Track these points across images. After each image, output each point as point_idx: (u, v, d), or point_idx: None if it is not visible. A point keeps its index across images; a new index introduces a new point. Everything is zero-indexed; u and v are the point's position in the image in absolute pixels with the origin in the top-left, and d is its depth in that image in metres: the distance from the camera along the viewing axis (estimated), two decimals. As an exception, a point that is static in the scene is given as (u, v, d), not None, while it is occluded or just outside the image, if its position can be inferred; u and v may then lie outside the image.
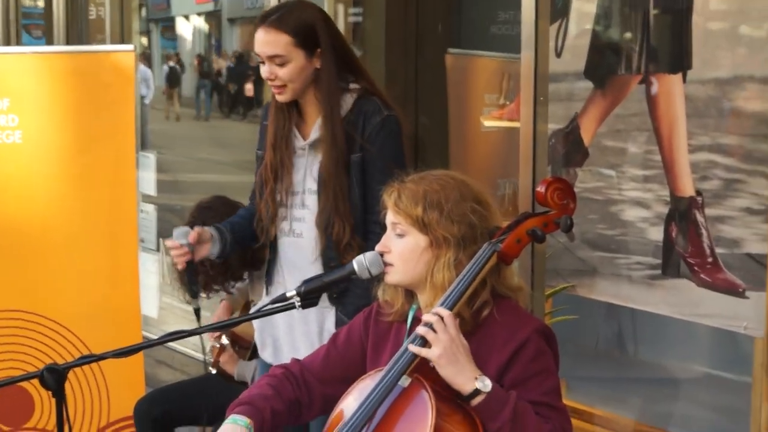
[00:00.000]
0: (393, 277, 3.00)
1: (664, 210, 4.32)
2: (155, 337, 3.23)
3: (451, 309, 2.83)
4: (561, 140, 4.70)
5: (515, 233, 2.95)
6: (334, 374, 3.12)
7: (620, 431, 4.82)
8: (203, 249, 3.86)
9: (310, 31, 3.76)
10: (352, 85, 3.85)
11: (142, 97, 9.78)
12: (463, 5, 7.00)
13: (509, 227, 2.96)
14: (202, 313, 3.94)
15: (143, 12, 9.61)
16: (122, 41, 7.94)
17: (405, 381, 2.81)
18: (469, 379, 2.75)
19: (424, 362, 2.79)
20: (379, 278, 3.06)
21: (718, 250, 4.14)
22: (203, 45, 12.33)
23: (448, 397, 2.78)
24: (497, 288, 2.96)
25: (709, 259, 4.17)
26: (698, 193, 4.19)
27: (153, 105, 9.70)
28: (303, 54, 3.76)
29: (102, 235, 5.34)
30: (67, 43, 8.24)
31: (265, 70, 3.79)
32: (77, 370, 5.19)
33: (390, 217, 3.01)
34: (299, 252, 3.91)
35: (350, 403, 2.95)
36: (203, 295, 4.88)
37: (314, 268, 3.84)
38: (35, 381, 3.03)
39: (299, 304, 3.06)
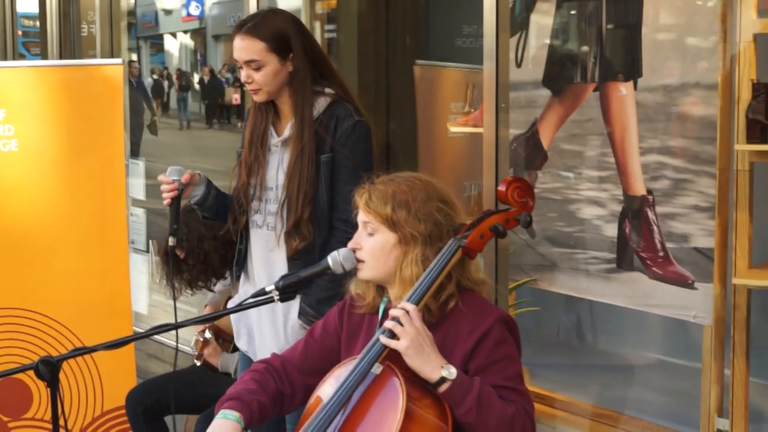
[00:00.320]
0: (365, 273, 3.01)
1: (618, 208, 4.33)
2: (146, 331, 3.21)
3: (418, 302, 2.83)
4: (522, 144, 4.70)
5: (479, 229, 2.95)
6: (314, 365, 3.11)
7: (579, 414, 4.81)
8: (190, 189, 3.83)
9: (282, 38, 3.78)
10: (327, 90, 3.86)
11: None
12: (430, 20, 6.99)
13: (473, 224, 2.96)
14: (186, 308, 3.91)
15: (133, 30, 9.57)
16: (112, 57, 7.90)
17: (377, 368, 2.82)
18: (436, 368, 2.75)
19: (395, 351, 2.79)
20: (351, 273, 3.06)
21: (669, 245, 4.16)
22: (189, 60, 12.30)
23: (418, 382, 2.78)
24: (462, 281, 2.96)
25: (661, 254, 4.18)
26: (649, 192, 4.20)
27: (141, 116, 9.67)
28: (276, 59, 3.78)
29: (94, 237, 5.32)
30: (61, 58, 8.21)
31: (243, 74, 3.83)
32: (72, 363, 5.20)
33: (361, 216, 3.02)
34: (267, 243, 3.90)
35: (326, 390, 2.95)
36: (188, 292, 4.88)
37: (281, 257, 3.84)
38: (32, 373, 3.01)
39: (278, 297, 3.06)
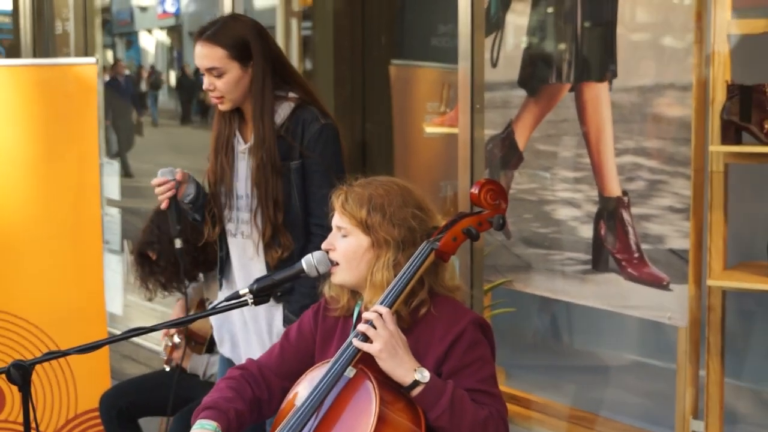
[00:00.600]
0: (338, 276, 3.01)
1: (594, 209, 4.35)
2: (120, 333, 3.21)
3: (391, 306, 2.83)
4: (498, 145, 4.71)
5: (452, 232, 2.95)
6: (291, 368, 3.11)
7: (556, 416, 4.83)
8: (184, 188, 3.81)
9: (243, 44, 3.75)
10: (291, 94, 3.84)
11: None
12: (406, 19, 7.01)
13: (446, 226, 2.96)
14: (163, 309, 3.91)
15: (108, 27, 9.55)
16: (86, 55, 7.88)
17: (350, 372, 2.82)
18: (409, 371, 2.76)
19: (368, 354, 2.79)
20: (325, 276, 3.06)
21: (644, 246, 4.18)
22: (165, 58, 12.28)
23: (391, 385, 2.78)
24: (436, 288, 2.96)
25: (636, 255, 4.20)
26: (624, 193, 4.22)
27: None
28: (238, 66, 3.75)
29: (68, 237, 5.30)
30: (34, 56, 8.18)
31: (205, 82, 3.80)
32: (46, 365, 5.18)
33: (336, 218, 3.02)
34: (245, 252, 3.90)
35: (301, 392, 2.95)
36: (164, 293, 4.87)
37: (260, 267, 3.84)
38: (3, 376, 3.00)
39: (251, 301, 3.05)
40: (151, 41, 11.72)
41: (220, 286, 4.07)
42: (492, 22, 4.71)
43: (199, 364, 4.78)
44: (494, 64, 4.70)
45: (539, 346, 6.22)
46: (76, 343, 3.11)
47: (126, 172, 9.02)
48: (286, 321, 3.79)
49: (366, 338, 2.79)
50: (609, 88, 4.24)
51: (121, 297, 6.97)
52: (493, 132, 4.73)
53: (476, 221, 3.02)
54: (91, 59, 5.62)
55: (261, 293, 3.07)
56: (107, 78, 9.33)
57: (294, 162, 3.78)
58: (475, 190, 3.04)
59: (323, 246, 3.04)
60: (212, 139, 3.93)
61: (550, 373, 5.80)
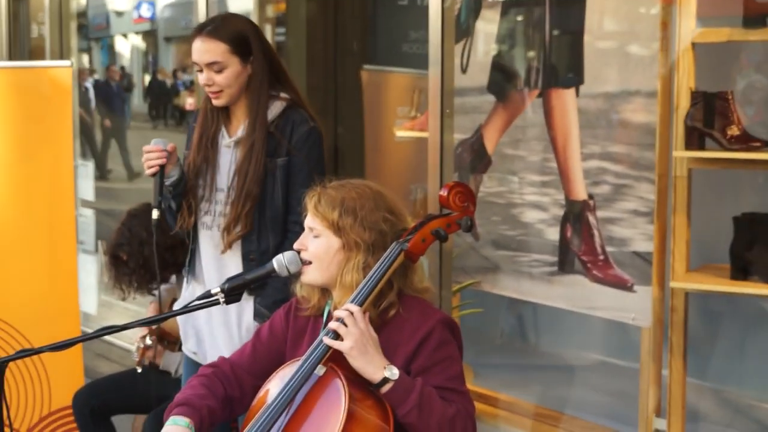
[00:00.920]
0: (308, 276, 3.01)
1: (560, 212, 4.36)
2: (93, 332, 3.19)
3: (362, 303, 2.84)
4: (467, 149, 4.72)
5: (421, 233, 2.96)
6: (262, 367, 3.10)
7: (522, 414, 4.84)
8: (171, 166, 3.77)
9: (243, 40, 3.77)
10: (282, 95, 3.85)
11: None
12: (378, 25, 7.02)
13: (415, 228, 2.97)
14: (136, 309, 3.89)
15: (84, 31, 9.51)
16: (62, 58, 7.84)
17: (320, 370, 2.82)
18: (378, 369, 2.76)
19: (338, 353, 2.80)
20: (296, 275, 3.06)
21: (609, 249, 4.19)
22: (140, 62, 12.26)
23: (360, 383, 2.79)
24: (405, 290, 2.97)
25: (601, 257, 4.22)
26: (590, 197, 4.23)
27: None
28: (238, 60, 3.76)
29: (42, 237, 5.28)
30: (10, 59, 8.14)
31: (202, 77, 3.78)
32: (20, 363, 5.16)
33: (309, 219, 3.02)
34: (222, 245, 3.88)
35: (272, 390, 2.96)
36: (136, 294, 4.86)
37: (235, 262, 3.83)
38: (-24, 373, 2.99)
39: (223, 300, 3.05)
40: (127, 45, 11.71)
41: (187, 281, 4.05)
42: (462, 29, 4.72)
43: (171, 361, 4.77)
44: (464, 70, 4.71)
45: (506, 345, 6.24)
46: (48, 341, 3.10)
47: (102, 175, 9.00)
48: (257, 314, 3.77)
49: (337, 336, 2.80)
50: (576, 94, 4.26)
51: (95, 297, 6.95)
52: (463, 136, 4.73)
53: (445, 223, 3.03)
54: (66, 62, 5.59)
55: (233, 292, 3.07)
56: (91, 81, 9.34)
57: (281, 159, 3.78)
58: (443, 193, 3.05)
59: (295, 245, 3.04)
60: (196, 133, 3.91)
61: (517, 372, 5.81)
